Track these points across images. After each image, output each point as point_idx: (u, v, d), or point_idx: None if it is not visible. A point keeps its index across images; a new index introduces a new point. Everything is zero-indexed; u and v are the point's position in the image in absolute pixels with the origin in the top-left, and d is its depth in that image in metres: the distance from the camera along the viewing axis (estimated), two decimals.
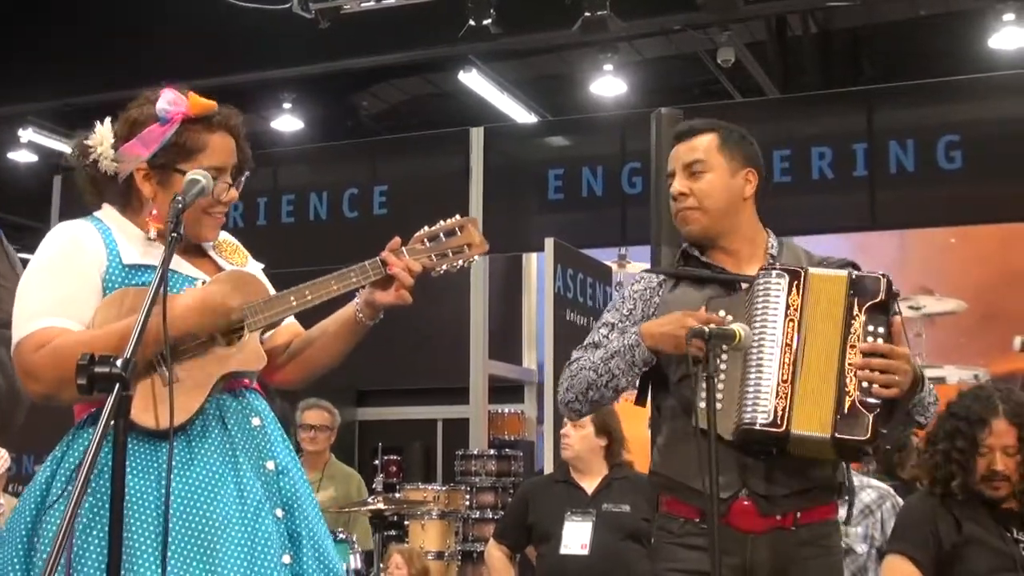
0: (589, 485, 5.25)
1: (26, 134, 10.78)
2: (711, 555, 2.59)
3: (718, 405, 2.79)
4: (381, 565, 5.75)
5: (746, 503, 2.88)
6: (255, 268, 2.80)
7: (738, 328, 2.75)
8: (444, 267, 2.74)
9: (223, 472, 2.46)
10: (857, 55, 10.90)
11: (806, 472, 2.90)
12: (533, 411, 10.17)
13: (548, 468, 7.32)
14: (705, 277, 3.06)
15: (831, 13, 10.11)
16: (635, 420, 4.87)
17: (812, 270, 2.90)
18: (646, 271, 3.24)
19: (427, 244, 2.72)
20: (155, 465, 2.42)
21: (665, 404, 3.06)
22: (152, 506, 2.37)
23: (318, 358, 2.79)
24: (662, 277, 3.14)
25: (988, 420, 3.67)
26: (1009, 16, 8.25)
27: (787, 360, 2.81)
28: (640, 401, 3.13)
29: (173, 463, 2.42)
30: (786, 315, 2.84)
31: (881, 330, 2.82)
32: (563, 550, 5.11)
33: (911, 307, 10.12)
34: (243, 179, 2.70)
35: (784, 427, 2.77)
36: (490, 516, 8.05)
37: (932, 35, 9.95)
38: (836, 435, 2.77)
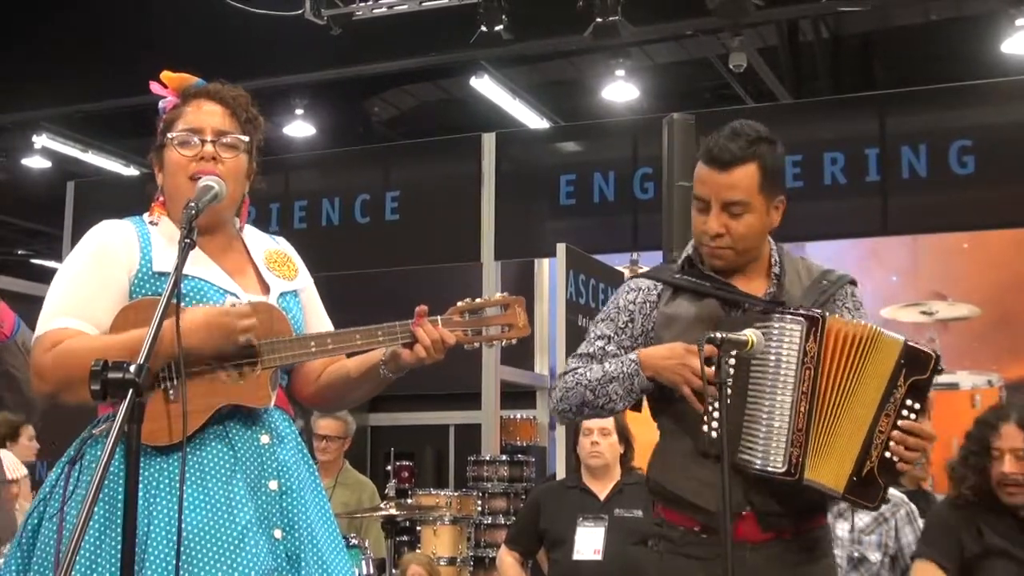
0: (602, 491, 5.25)
1: (40, 140, 10.84)
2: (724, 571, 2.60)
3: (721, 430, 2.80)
4: (394, 571, 5.74)
5: (750, 517, 2.88)
6: (303, 281, 2.79)
7: (751, 334, 2.72)
8: (477, 344, 2.69)
9: (213, 492, 2.42)
10: (869, 60, 10.89)
11: (806, 490, 2.89)
12: (545, 416, 10.16)
13: (560, 473, 7.32)
14: (707, 291, 2.99)
15: (843, 18, 10.10)
16: (642, 425, 4.87)
17: (879, 329, 2.81)
18: (641, 276, 3.14)
19: (466, 317, 2.65)
20: (143, 482, 2.38)
21: (665, 419, 3.05)
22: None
23: (345, 394, 2.79)
24: (660, 287, 3.05)
25: (998, 425, 3.75)
26: (1022, 21, 8.25)
27: (803, 408, 2.78)
28: (636, 408, 3.12)
29: (163, 481, 2.41)
30: (803, 362, 2.78)
31: (918, 406, 2.78)
32: (576, 556, 5.10)
33: (924, 312, 10.11)
34: (246, 142, 2.65)
35: (797, 476, 2.78)
36: (502, 522, 8.04)
37: (944, 40, 9.94)
38: (847, 495, 2.80)
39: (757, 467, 2.79)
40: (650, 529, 5.00)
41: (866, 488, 2.79)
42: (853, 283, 3.09)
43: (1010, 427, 3.72)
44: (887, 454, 2.78)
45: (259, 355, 2.51)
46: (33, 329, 2.58)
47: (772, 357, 2.80)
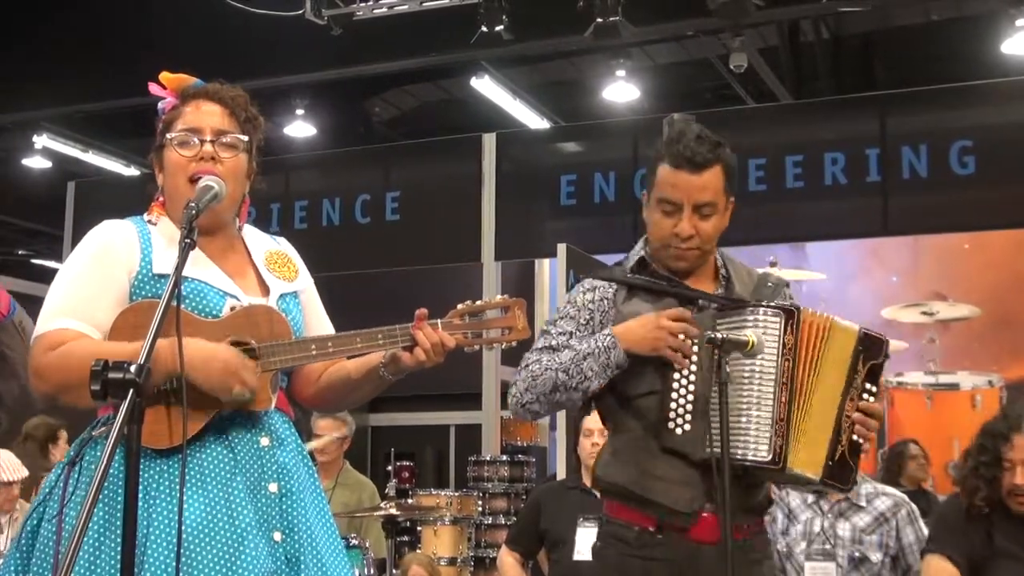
0: None
1: (40, 140, 10.83)
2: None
3: (687, 427, 2.89)
4: (395, 571, 5.74)
5: (713, 518, 2.92)
6: (304, 282, 2.78)
7: (751, 335, 2.77)
8: (478, 347, 2.69)
9: (213, 495, 2.42)
10: (869, 60, 10.88)
11: (756, 489, 3.01)
12: (546, 417, 10.16)
13: (561, 474, 7.32)
14: (666, 291, 3.04)
15: (843, 18, 10.10)
16: None
17: (833, 318, 2.92)
18: (595, 277, 3.17)
19: (466, 320, 2.64)
20: (143, 484, 2.36)
21: (620, 417, 3.05)
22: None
23: (345, 396, 2.79)
24: (615, 286, 3.09)
25: (1010, 436, 3.79)
26: (1022, 21, 8.24)
27: (784, 399, 2.84)
28: (586, 410, 3.15)
29: (163, 483, 2.41)
30: (782, 354, 2.85)
31: (874, 389, 2.92)
32: (577, 556, 5.09)
33: (924, 312, 10.10)
34: (245, 142, 2.64)
35: (781, 465, 2.83)
36: (502, 522, 8.04)
37: (945, 40, 9.93)
38: (825, 480, 2.88)
39: (739, 457, 2.83)
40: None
41: (840, 471, 2.88)
42: (787, 286, 3.21)
43: (1022, 438, 3.78)
44: (855, 437, 2.89)
45: (259, 358, 2.51)
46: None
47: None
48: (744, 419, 2.83)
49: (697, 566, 2.91)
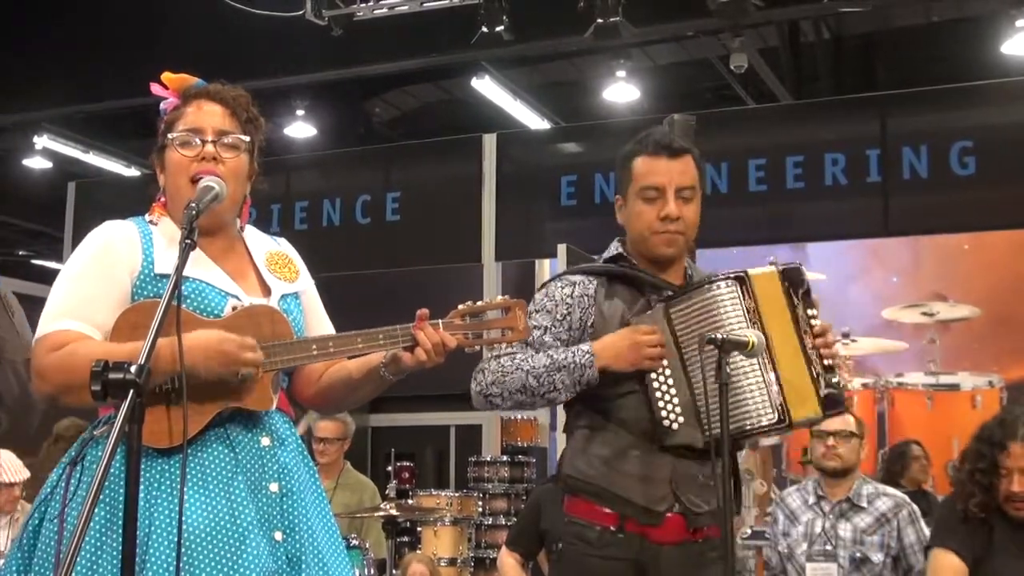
0: None
1: (41, 141, 10.81)
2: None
3: (680, 419, 2.95)
4: (395, 572, 5.74)
5: (679, 518, 2.97)
6: (304, 283, 2.78)
7: (751, 335, 2.80)
8: (478, 347, 2.70)
9: (214, 494, 2.42)
10: (870, 61, 10.89)
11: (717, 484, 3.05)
12: (546, 417, 10.15)
13: None
14: (637, 276, 3.11)
15: (844, 19, 10.10)
16: None
17: (749, 270, 3.00)
18: (572, 271, 3.23)
19: (467, 320, 2.64)
20: (144, 484, 2.36)
21: (597, 419, 3.07)
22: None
23: (346, 396, 2.78)
24: (595, 282, 3.13)
25: (1007, 444, 3.80)
26: (1022, 22, 8.23)
27: (767, 359, 2.90)
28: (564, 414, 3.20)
29: (164, 483, 2.41)
30: (750, 319, 2.92)
31: (813, 312, 2.99)
32: None
33: (924, 313, 10.09)
34: (247, 142, 2.64)
35: (788, 421, 2.90)
36: (503, 522, 8.04)
37: (945, 41, 9.94)
38: (826, 414, 2.98)
39: (748, 428, 2.90)
40: None
41: (833, 398, 2.96)
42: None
43: (1018, 445, 3.79)
44: (826, 362, 2.96)
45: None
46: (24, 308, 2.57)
47: (721, 324, 2.92)
48: (736, 390, 2.88)
49: (658, 566, 2.96)
